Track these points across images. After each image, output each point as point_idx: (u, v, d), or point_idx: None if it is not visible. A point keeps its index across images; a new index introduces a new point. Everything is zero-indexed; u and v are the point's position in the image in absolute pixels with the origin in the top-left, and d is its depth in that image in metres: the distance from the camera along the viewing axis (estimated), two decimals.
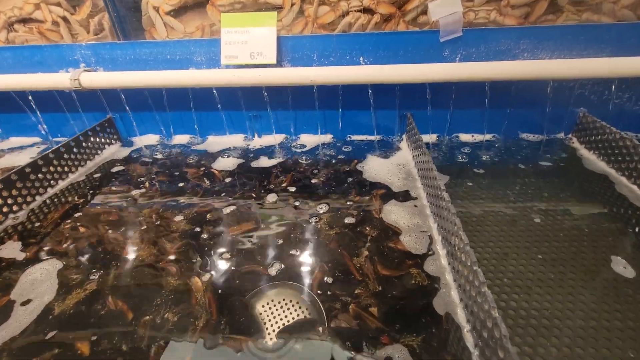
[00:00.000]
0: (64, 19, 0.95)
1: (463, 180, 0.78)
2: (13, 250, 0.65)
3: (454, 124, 0.95)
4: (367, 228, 0.65)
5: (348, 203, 0.73)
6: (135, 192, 0.81)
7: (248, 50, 0.85)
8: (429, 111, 0.91)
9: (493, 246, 0.60)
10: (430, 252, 0.59)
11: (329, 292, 0.53)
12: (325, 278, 0.55)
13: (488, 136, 0.94)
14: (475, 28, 0.82)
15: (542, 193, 0.73)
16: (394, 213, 0.69)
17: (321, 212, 0.70)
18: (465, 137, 0.95)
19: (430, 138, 0.95)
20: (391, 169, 0.84)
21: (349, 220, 0.68)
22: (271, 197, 0.76)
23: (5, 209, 0.71)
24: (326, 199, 0.74)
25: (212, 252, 0.62)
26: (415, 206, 0.70)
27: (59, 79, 0.90)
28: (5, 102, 1.01)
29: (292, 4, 0.87)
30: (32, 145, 1.07)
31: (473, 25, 0.87)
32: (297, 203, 0.74)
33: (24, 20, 0.97)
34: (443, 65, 0.81)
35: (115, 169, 0.91)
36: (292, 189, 0.78)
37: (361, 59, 0.86)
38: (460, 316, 0.48)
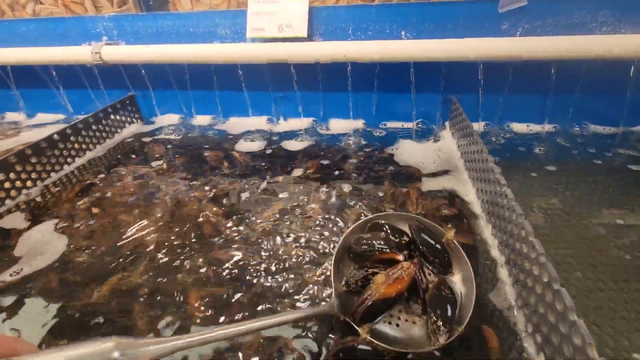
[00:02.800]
0: None
1: (517, 178, 0.67)
2: (19, 223, 0.62)
3: (506, 111, 0.82)
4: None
5: (380, 194, 0.63)
6: (153, 173, 0.76)
7: (276, 22, 0.76)
8: (479, 95, 0.79)
9: (563, 259, 0.49)
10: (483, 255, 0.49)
11: None
12: None
13: (548, 127, 0.81)
14: None
15: (616, 196, 0.60)
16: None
17: (351, 206, 0.62)
18: (519, 127, 0.83)
19: (477, 127, 0.84)
20: (431, 159, 0.73)
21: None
22: (294, 188, 0.68)
23: (18, 184, 0.68)
24: (356, 193, 0.65)
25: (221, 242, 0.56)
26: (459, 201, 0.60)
27: (80, 53, 0.86)
28: (30, 77, 1.00)
29: None
30: (57, 122, 1.06)
31: None
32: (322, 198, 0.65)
33: None
34: (502, 41, 0.69)
35: (134, 148, 0.87)
36: (317, 180, 0.70)
37: (403, 33, 0.76)
38: None
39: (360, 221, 0.47)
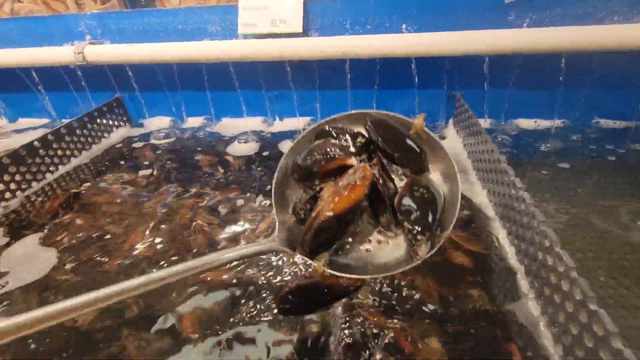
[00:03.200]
0: None
1: (526, 175, 0.63)
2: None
3: (513, 106, 0.78)
4: None
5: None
6: (142, 181, 0.72)
7: (269, 17, 0.72)
8: (484, 90, 0.75)
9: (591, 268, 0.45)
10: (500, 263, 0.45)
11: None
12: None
13: (557, 122, 0.77)
14: None
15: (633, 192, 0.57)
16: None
17: None
18: (526, 123, 0.79)
19: (483, 123, 0.80)
20: None
21: None
22: None
23: None
24: None
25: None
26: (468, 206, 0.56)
27: (62, 53, 0.81)
28: (12, 81, 0.94)
29: None
30: (40, 127, 1.00)
31: None
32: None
33: None
34: (507, 32, 0.65)
35: (123, 154, 0.82)
36: None
37: (404, 26, 0.71)
38: None
39: (304, 132, 0.37)
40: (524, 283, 0.43)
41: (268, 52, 0.72)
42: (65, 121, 1.01)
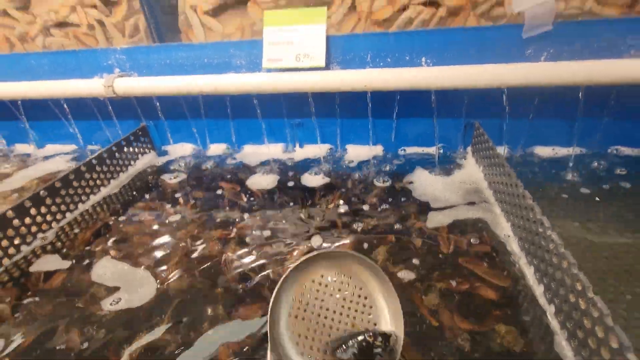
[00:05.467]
0: (100, 22, 0.90)
1: (545, 203, 0.64)
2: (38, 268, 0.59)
3: (531, 134, 0.80)
4: (436, 273, 0.53)
5: (408, 230, 0.61)
6: (170, 210, 0.74)
7: (293, 52, 0.75)
8: (504, 120, 0.77)
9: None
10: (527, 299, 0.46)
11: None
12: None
13: (576, 149, 0.78)
14: (567, 21, 0.67)
15: None
16: (467, 254, 0.56)
17: (375, 243, 0.59)
18: (544, 151, 0.80)
19: (501, 150, 0.81)
20: (457, 189, 0.71)
21: (411, 258, 0.56)
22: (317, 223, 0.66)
23: (34, 228, 0.66)
24: (380, 230, 0.63)
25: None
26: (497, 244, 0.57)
27: (92, 86, 0.85)
28: (40, 109, 0.98)
29: None
30: (67, 153, 1.04)
31: (563, 16, 0.72)
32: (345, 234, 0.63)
33: (60, 25, 0.93)
34: (527, 66, 0.67)
35: (149, 183, 0.85)
36: (342, 215, 0.68)
37: (423, 59, 0.74)
38: None
39: (296, 263, 0.40)
40: (554, 323, 0.43)
41: (294, 85, 0.75)
42: (91, 147, 1.06)
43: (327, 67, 0.76)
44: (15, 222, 0.62)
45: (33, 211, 0.65)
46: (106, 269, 0.60)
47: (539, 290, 0.48)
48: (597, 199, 0.65)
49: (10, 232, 0.61)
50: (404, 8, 0.75)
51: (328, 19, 0.78)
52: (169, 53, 0.84)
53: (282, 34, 0.75)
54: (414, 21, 0.76)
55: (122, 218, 0.72)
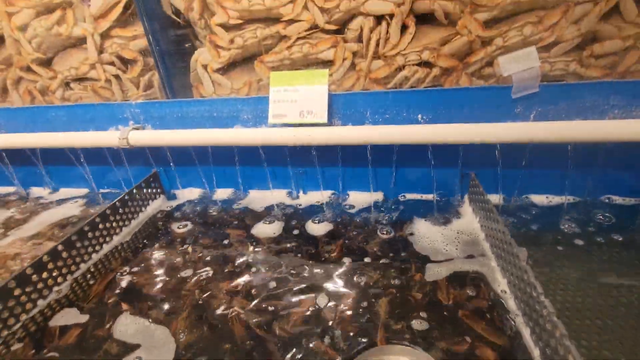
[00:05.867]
0: (117, 76, 0.96)
1: (537, 252, 0.67)
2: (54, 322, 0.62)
3: (524, 183, 0.83)
4: (435, 332, 0.55)
5: (408, 282, 0.63)
6: (179, 259, 0.77)
7: (297, 109, 0.80)
8: (497, 170, 0.81)
9: None
10: None
11: None
12: None
13: (569, 198, 0.82)
14: (554, 83, 0.72)
15: None
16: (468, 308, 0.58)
17: (374, 299, 0.62)
18: (539, 199, 0.84)
19: (496, 198, 0.85)
20: (454, 240, 0.74)
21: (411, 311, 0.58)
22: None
23: (50, 282, 0.69)
24: (384, 283, 0.65)
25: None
26: (491, 301, 0.59)
27: (108, 138, 0.90)
28: (56, 156, 1.04)
29: (344, 59, 0.83)
30: (80, 197, 1.08)
31: (549, 77, 0.77)
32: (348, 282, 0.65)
33: (79, 79, 0.99)
34: (515, 125, 0.71)
35: (159, 229, 0.88)
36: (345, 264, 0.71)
37: (420, 116, 0.79)
38: None
39: None
40: None
41: (298, 139, 0.79)
42: (103, 191, 1.10)
43: (329, 121, 0.81)
44: (34, 277, 0.65)
45: (50, 265, 0.68)
46: (126, 326, 0.62)
47: (535, 353, 0.50)
48: (589, 249, 0.68)
49: (29, 288, 0.64)
50: (400, 68, 0.81)
51: (330, 77, 0.84)
52: (181, 108, 0.89)
53: (287, 93, 0.80)
54: (409, 79, 0.81)
55: (134, 269, 0.75)
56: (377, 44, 0.80)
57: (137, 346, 0.58)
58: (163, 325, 0.61)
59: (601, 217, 0.76)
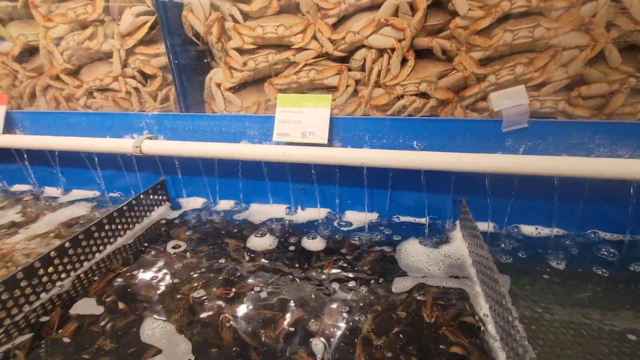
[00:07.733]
0: (136, 89, 1.03)
1: (530, 285, 0.69)
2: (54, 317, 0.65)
3: (515, 213, 0.86)
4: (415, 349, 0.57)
5: (394, 299, 0.66)
6: (177, 263, 0.80)
7: (300, 130, 0.85)
8: (487, 198, 0.84)
9: None
10: None
11: None
12: None
13: (556, 230, 0.84)
14: (543, 120, 0.76)
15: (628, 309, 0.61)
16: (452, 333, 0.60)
17: (367, 311, 0.64)
18: (528, 229, 0.86)
19: (487, 226, 0.87)
20: (443, 262, 0.76)
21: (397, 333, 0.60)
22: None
23: (54, 276, 0.72)
24: (371, 300, 0.68)
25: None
26: (479, 327, 0.61)
27: (123, 145, 0.96)
28: (72, 158, 1.10)
29: (347, 86, 0.88)
30: (90, 199, 1.14)
31: (539, 114, 0.81)
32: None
33: (102, 89, 1.07)
34: (505, 157, 0.75)
35: (161, 234, 0.92)
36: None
37: (415, 143, 0.83)
38: None
39: None
40: None
41: (298, 157, 0.84)
42: (112, 195, 1.15)
43: (329, 142, 0.86)
44: (41, 271, 0.69)
45: (56, 261, 0.72)
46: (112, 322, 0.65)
47: None
48: (574, 282, 0.70)
49: (35, 280, 0.68)
50: (399, 97, 0.86)
51: (333, 101, 0.90)
52: (193, 121, 0.96)
53: (292, 114, 0.86)
54: (407, 108, 0.87)
55: (132, 270, 0.79)
56: (379, 74, 0.85)
57: (137, 346, 0.61)
58: (151, 323, 0.64)
59: (587, 251, 0.78)
